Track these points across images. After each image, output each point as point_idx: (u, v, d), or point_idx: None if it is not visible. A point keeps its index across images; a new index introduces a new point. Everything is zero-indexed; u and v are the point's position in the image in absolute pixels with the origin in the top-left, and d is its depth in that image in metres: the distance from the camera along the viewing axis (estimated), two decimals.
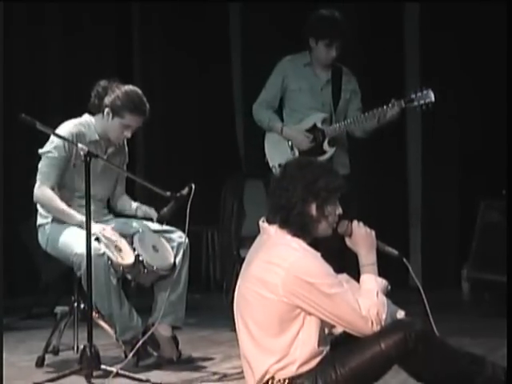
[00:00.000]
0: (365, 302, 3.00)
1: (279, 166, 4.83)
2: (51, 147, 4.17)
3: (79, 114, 4.33)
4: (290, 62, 4.99)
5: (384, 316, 3.00)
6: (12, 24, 5.98)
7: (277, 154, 4.92)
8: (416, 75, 6.44)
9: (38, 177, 4.19)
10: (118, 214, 4.43)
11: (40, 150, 4.20)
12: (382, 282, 3.10)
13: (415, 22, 6.45)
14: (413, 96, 4.74)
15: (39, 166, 4.20)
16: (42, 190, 4.17)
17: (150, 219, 4.32)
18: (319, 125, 4.94)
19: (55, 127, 4.20)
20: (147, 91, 6.38)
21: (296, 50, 5.08)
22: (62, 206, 4.15)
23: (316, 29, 4.87)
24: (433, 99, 4.72)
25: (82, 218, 4.03)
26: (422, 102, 4.73)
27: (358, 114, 4.91)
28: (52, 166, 4.16)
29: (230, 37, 6.94)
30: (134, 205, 4.41)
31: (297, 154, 4.92)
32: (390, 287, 3.13)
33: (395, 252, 3.20)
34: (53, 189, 4.17)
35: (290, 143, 4.94)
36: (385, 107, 4.76)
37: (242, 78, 6.90)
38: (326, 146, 4.93)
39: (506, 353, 3.32)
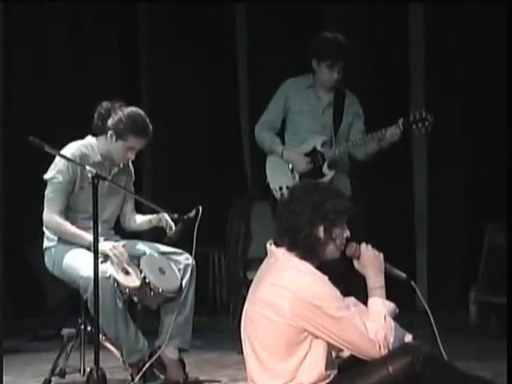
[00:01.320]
0: (372, 325, 2.99)
1: (280, 188, 4.90)
2: (55, 172, 4.18)
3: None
4: (293, 84, 5.02)
5: (392, 340, 2.99)
6: (14, 26, 5.98)
7: (277, 176, 4.95)
8: (420, 77, 6.44)
9: (46, 203, 4.20)
10: (127, 235, 4.43)
11: (45, 176, 4.21)
12: (390, 305, 3.09)
13: (420, 22, 6.45)
14: (411, 118, 4.78)
15: (46, 192, 4.21)
16: (50, 217, 4.19)
17: (161, 236, 4.31)
18: (319, 148, 4.96)
19: (61, 143, 4.21)
20: (154, 107, 6.53)
21: (300, 52, 5.11)
22: (72, 228, 4.16)
23: (318, 50, 4.91)
24: (432, 122, 4.75)
25: (91, 238, 4.02)
26: (420, 125, 4.76)
27: (360, 136, 4.93)
28: (57, 192, 4.17)
29: (237, 37, 6.94)
30: (147, 217, 4.39)
31: (297, 177, 4.94)
32: (397, 310, 3.12)
33: (403, 275, 3.19)
34: (60, 213, 4.18)
35: (290, 166, 4.96)
36: (383, 130, 4.78)
37: (248, 79, 6.91)
38: (325, 169, 4.95)
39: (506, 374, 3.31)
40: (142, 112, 4.24)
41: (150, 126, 4.22)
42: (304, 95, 4.97)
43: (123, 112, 4.19)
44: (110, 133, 4.20)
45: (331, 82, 4.94)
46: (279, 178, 4.93)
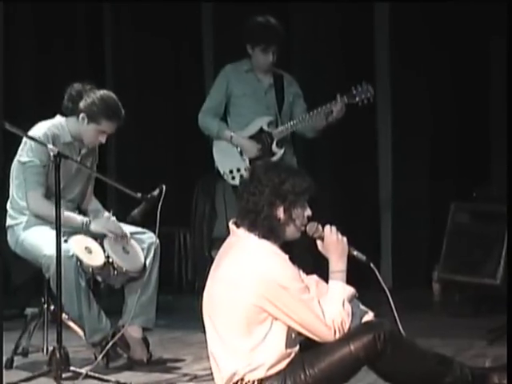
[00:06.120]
0: (330, 310, 3.00)
1: (230, 171, 4.96)
2: (31, 154, 4.11)
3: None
4: (233, 69, 5.07)
5: (348, 325, 3.01)
6: None
7: (227, 160, 5.01)
8: (387, 73, 6.47)
9: (28, 188, 4.12)
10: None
11: (21, 159, 4.14)
12: (350, 290, 3.09)
13: (385, 20, 6.47)
14: (354, 91, 4.88)
15: (23, 176, 4.13)
16: (38, 202, 4.11)
17: (124, 214, 4.31)
18: (265, 127, 5.01)
19: (25, 127, 4.16)
20: (119, 87, 6.47)
21: None
22: (64, 212, 4.00)
23: (251, 35, 4.96)
24: (373, 93, 4.88)
25: (82, 218, 4.11)
26: (363, 96, 4.87)
27: (304, 114, 5.01)
28: (37, 175, 4.11)
29: (203, 36, 6.92)
30: (104, 213, 4.38)
31: (247, 158, 4.98)
32: (357, 294, 3.12)
33: (363, 257, 3.20)
34: (45, 196, 4.11)
35: (238, 149, 5.00)
36: (328, 104, 4.88)
37: (213, 59, 6.88)
38: (274, 147, 5.01)
39: (507, 350, 3.36)
40: (114, 95, 4.21)
41: (123, 111, 4.19)
42: (245, 79, 5.02)
43: (96, 95, 4.15)
44: (81, 115, 4.16)
45: (266, 66, 5.00)
46: (228, 161, 4.99)
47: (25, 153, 4.14)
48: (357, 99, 4.87)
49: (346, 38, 6.40)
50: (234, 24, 6.44)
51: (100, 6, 6.75)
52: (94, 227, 4.12)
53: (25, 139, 4.13)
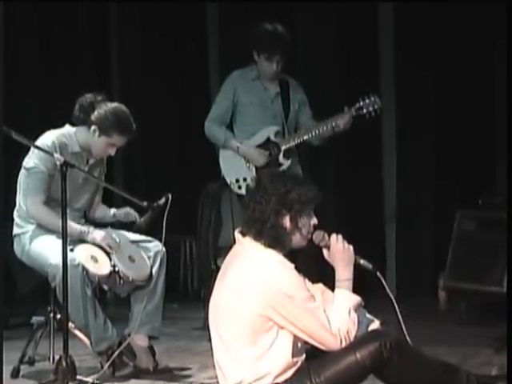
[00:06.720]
0: (336, 319, 3.01)
1: (236, 181, 4.97)
2: (37, 161, 4.12)
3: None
4: (239, 77, 5.07)
5: (353, 334, 3.01)
6: None
7: (233, 169, 5.02)
8: (391, 74, 6.48)
9: (29, 193, 4.13)
10: (96, 224, 4.41)
11: (26, 165, 4.15)
12: (356, 298, 3.09)
13: (390, 20, 6.47)
14: (361, 103, 4.91)
15: (26, 181, 4.14)
16: (37, 207, 4.12)
17: (131, 223, 4.31)
18: (273, 138, 5.02)
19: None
20: (124, 87, 6.46)
21: None
22: (59, 219, 4.00)
23: (256, 42, 4.98)
24: (380, 105, 4.91)
25: (81, 228, 4.11)
26: (370, 108, 4.90)
27: (310, 122, 5.02)
28: (40, 181, 4.12)
29: (208, 36, 6.94)
30: (113, 210, 4.39)
31: (253, 168, 5.00)
32: (363, 303, 3.12)
33: (370, 266, 3.20)
34: (45, 203, 4.12)
35: (245, 158, 5.01)
36: (335, 116, 4.91)
37: (220, 77, 6.90)
38: (281, 158, 5.02)
39: (507, 354, 3.35)
40: (126, 109, 4.23)
41: (134, 124, 4.21)
42: (251, 87, 5.04)
43: (108, 108, 4.17)
44: (93, 128, 4.17)
45: (271, 74, 5.01)
46: (235, 170, 5.01)
47: (31, 160, 4.16)
48: (364, 111, 4.90)
49: (350, 38, 6.39)
50: (239, 24, 6.48)
51: (105, 6, 6.76)
52: (90, 239, 4.11)
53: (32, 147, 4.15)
